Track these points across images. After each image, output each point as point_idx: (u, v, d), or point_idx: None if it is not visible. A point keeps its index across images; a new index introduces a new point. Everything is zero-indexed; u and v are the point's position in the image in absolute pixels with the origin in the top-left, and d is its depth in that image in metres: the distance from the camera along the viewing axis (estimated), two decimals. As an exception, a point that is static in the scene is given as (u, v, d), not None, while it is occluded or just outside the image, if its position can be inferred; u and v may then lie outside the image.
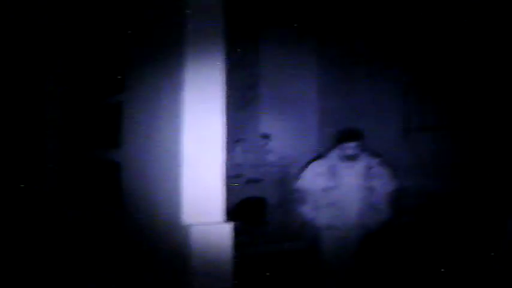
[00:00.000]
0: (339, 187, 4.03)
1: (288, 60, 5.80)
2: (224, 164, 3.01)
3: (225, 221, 2.92)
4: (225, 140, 3.06)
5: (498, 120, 4.46)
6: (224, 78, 2.98)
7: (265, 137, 5.99)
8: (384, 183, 4.10)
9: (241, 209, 5.53)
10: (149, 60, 3.40)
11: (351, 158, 4.05)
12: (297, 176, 4.19)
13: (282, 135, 5.91)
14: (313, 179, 4.09)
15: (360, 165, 4.09)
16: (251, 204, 5.85)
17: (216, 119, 2.95)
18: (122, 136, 3.83)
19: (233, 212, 3.32)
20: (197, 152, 2.92)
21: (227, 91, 3.02)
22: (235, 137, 5.48)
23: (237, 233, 2.96)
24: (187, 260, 2.74)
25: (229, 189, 3.15)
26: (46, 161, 3.99)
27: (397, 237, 4.76)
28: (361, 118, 5.55)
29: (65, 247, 3.82)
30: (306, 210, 4.10)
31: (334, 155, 4.13)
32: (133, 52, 3.67)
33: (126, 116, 3.78)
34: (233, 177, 5.46)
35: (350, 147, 4.01)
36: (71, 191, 4.08)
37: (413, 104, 5.20)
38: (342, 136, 4.08)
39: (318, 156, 4.25)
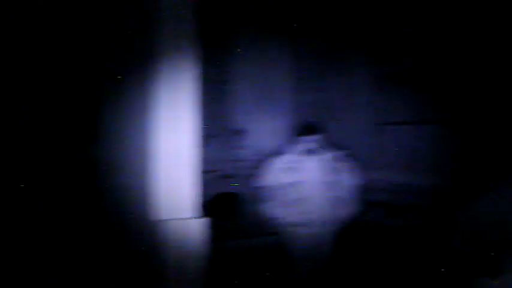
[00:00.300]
0: (302, 182, 3.96)
1: (262, 55, 5.80)
2: (197, 160, 3.03)
3: (198, 216, 2.94)
4: (198, 135, 3.07)
5: (464, 115, 4.55)
6: (197, 74, 3.00)
7: (240, 132, 6.00)
8: (348, 177, 4.05)
9: (215, 204, 5.55)
10: (123, 56, 3.39)
11: (313, 152, 4.00)
12: (260, 172, 4.10)
13: (257, 130, 5.91)
14: (276, 175, 4.04)
15: (322, 159, 4.02)
16: (226, 200, 5.87)
17: (189, 115, 2.97)
18: (96, 132, 3.81)
19: (207, 207, 3.33)
20: (170, 148, 2.93)
21: (201, 86, 3.03)
22: (209, 132, 5.48)
23: (211, 227, 2.99)
24: (161, 255, 2.76)
25: (203, 185, 3.16)
26: (21, 157, 3.95)
27: (368, 232, 4.76)
28: (334, 112, 5.59)
29: (39, 243, 3.78)
30: (270, 208, 4.02)
31: (295, 150, 4.07)
32: (107, 48, 3.66)
33: (100, 112, 3.76)
34: (207, 172, 5.45)
35: (310, 141, 3.98)
36: (45, 187, 4.05)
37: (386, 99, 5.26)
38: (301, 131, 4.05)
39: (280, 152, 4.17)
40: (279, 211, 3.99)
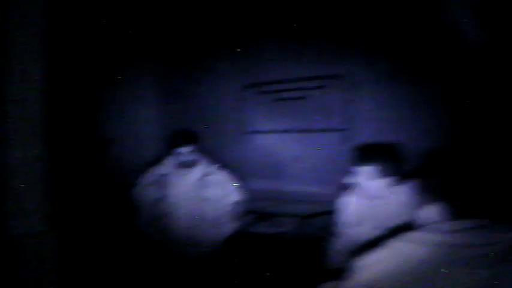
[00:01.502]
0: (171, 198, 3.64)
1: (130, 62, 5.72)
2: (48, 171, 2.93)
3: (53, 230, 2.86)
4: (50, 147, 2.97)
5: (328, 124, 4.78)
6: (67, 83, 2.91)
7: (108, 141, 5.84)
8: (223, 192, 3.76)
9: (84, 217, 5.34)
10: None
11: (187, 164, 3.65)
12: (132, 185, 3.83)
13: (125, 139, 5.81)
14: (146, 189, 3.74)
15: (195, 173, 3.68)
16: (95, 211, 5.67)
17: (40, 126, 2.88)
18: None
19: (69, 220, 3.22)
20: (25, 159, 2.82)
21: (71, 95, 2.93)
22: (80, 141, 5.28)
23: (66, 241, 2.91)
24: (11, 269, 2.66)
25: (69, 197, 3.03)
26: None
27: (240, 240, 4.76)
28: (202, 121, 5.63)
29: None
30: (140, 222, 3.73)
31: (169, 162, 3.73)
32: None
33: None
34: (75, 183, 5.25)
35: (183, 152, 3.58)
36: None
37: (251, 109, 5.39)
38: (174, 140, 3.62)
39: (153, 164, 3.86)
40: (147, 227, 3.74)
